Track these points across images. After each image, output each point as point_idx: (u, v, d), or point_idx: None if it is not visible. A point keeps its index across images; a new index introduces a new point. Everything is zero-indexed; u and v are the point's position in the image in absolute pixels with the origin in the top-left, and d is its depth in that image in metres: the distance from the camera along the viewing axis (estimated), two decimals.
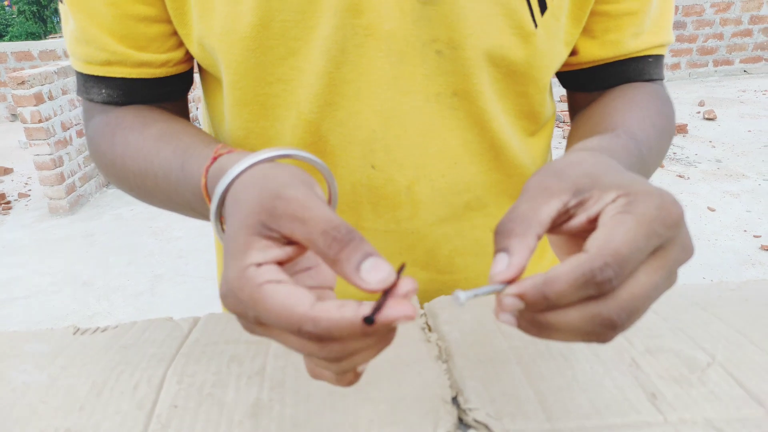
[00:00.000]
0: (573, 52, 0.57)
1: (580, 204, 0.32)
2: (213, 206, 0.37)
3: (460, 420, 0.39)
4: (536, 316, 0.30)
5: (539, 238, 0.31)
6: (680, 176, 3.64)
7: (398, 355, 0.45)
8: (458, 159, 0.54)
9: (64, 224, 3.61)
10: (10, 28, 30.85)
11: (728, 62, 6.46)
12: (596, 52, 0.56)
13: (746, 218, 3.00)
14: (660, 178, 3.62)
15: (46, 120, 3.56)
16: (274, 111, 0.52)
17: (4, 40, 30.10)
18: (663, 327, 0.48)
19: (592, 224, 0.31)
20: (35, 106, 3.48)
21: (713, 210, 3.13)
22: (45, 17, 32.94)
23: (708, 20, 6.28)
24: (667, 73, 6.46)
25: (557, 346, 0.46)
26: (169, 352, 0.47)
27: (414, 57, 0.49)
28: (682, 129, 4.50)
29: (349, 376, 0.32)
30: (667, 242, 0.29)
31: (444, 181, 0.54)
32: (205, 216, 0.47)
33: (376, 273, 0.28)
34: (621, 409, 0.38)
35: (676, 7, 6.22)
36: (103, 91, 0.53)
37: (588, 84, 0.59)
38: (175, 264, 3.00)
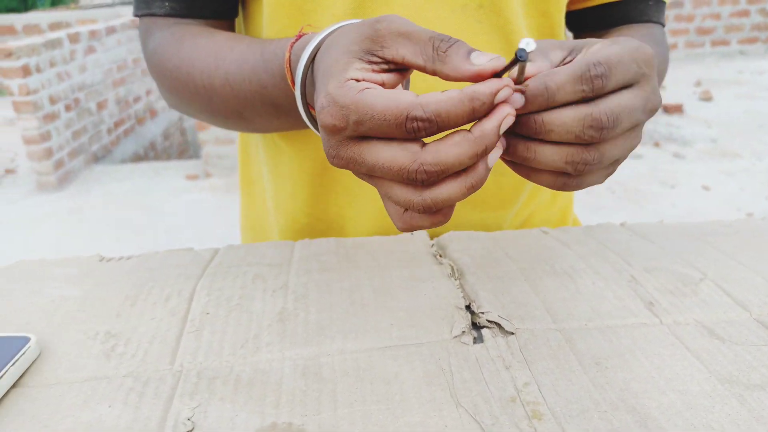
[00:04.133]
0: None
1: (579, 50, 0.35)
2: (303, 62, 0.37)
3: (474, 324, 0.42)
4: (534, 116, 0.32)
5: (551, 65, 0.34)
6: (676, 155, 3.69)
7: (413, 274, 0.48)
8: None
9: (52, 200, 3.59)
10: None
11: (725, 42, 6.50)
12: None
13: (740, 196, 3.06)
14: (656, 156, 3.67)
15: (34, 93, 3.52)
16: (310, 16, 0.53)
17: None
18: (660, 252, 0.51)
19: None
20: (23, 78, 3.44)
21: (708, 189, 3.18)
22: None
23: (705, 0, 6.32)
24: None
25: (561, 266, 0.49)
26: (196, 272, 0.49)
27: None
28: (678, 109, 4.54)
29: (439, 216, 0.33)
30: (642, 77, 0.33)
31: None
32: (276, 105, 0.47)
33: (485, 57, 0.30)
34: (620, 314, 0.42)
35: None
36: (167, 3, 0.55)
37: (594, 24, 0.62)
38: (165, 240, 3.00)
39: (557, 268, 0.49)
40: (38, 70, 3.57)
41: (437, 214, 0.33)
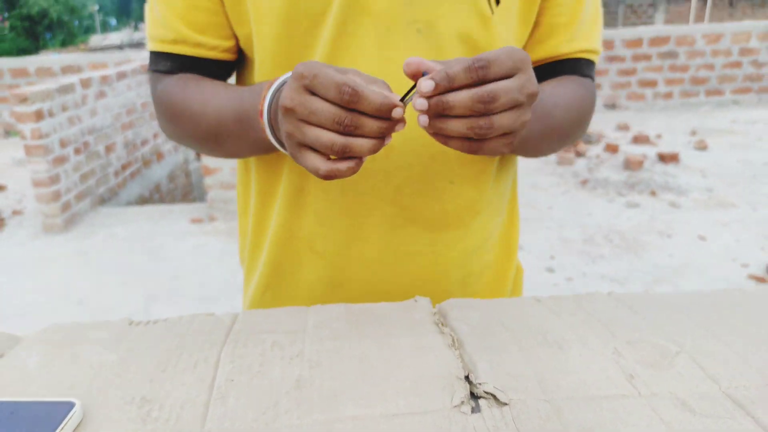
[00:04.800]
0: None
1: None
2: (269, 94, 0.58)
3: (472, 394, 0.46)
4: (440, 97, 0.47)
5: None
6: (672, 204, 3.76)
7: (418, 342, 0.53)
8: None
9: (58, 242, 3.65)
10: (1, 44, 30.90)
11: (719, 92, 6.67)
12: (539, 53, 0.73)
13: (735, 247, 3.11)
14: (653, 206, 3.75)
15: (46, 137, 3.62)
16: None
17: None
18: (642, 323, 0.56)
19: None
20: (35, 122, 3.55)
21: (704, 239, 3.24)
22: (37, 33, 32.97)
23: (699, 51, 6.51)
24: (660, 102, 6.66)
25: (553, 336, 0.54)
26: (219, 338, 0.54)
27: (398, 33, 0.64)
28: (674, 158, 4.64)
29: (351, 164, 0.50)
30: (518, 70, 0.48)
31: (416, 132, 0.64)
32: (247, 128, 0.65)
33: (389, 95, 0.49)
34: (604, 385, 0.46)
35: (669, 38, 6.44)
36: (168, 63, 0.72)
37: (539, 75, 0.73)
38: (170, 285, 3.04)
39: (549, 338, 0.53)
40: (51, 114, 3.68)
41: (350, 161, 0.50)
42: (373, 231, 0.71)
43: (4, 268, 3.30)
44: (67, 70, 6.51)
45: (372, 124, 0.48)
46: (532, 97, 0.49)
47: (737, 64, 6.56)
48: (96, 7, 43.33)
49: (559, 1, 0.71)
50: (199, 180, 6.37)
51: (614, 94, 6.63)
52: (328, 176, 0.50)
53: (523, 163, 4.74)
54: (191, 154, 6.21)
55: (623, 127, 5.77)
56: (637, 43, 6.45)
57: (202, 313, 0.60)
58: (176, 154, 5.80)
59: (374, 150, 0.49)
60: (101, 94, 4.31)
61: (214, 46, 0.71)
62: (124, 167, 4.67)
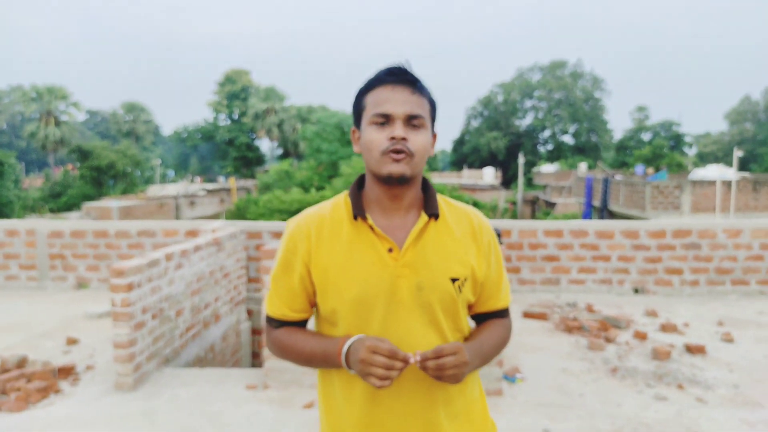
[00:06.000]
0: (471, 307, 1.50)
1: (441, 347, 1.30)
2: (344, 350, 1.33)
3: None
4: (437, 361, 1.26)
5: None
6: (699, 400, 3.94)
7: None
8: (431, 347, 1.38)
9: (128, 400, 4.01)
10: (69, 190, 33.57)
11: (745, 282, 6.96)
12: (481, 308, 1.51)
13: None
14: (681, 400, 3.92)
15: (132, 305, 4.15)
16: (362, 329, 1.38)
17: (61, 201, 32.48)
18: None
19: None
20: (126, 293, 4.10)
21: None
22: (102, 182, 35.79)
23: (721, 243, 6.93)
24: (686, 289, 6.97)
25: None
26: None
27: (413, 310, 1.38)
28: (701, 350, 4.85)
29: (387, 382, 1.25)
30: (458, 358, 1.28)
31: (420, 373, 1.38)
32: (327, 363, 1.38)
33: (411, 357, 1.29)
34: None
35: (691, 231, 6.92)
36: (276, 323, 1.48)
37: (477, 319, 1.55)
38: None
39: None
40: (139, 285, 4.25)
41: (388, 381, 1.25)
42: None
43: (81, 424, 3.65)
44: (142, 234, 7.31)
45: (397, 364, 1.25)
46: (465, 364, 1.28)
47: (759, 257, 6.93)
48: (159, 162, 47.35)
49: (488, 285, 1.48)
50: (247, 339, 6.78)
51: (642, 279, 7.01)
52: (381, 386, 1.24)
53: (555, 348, 5.03)
54: (243, 315, 6.69)
55: (651, 314, 6.06)
56: (660, 234, 6.95)
57: None
58: (231, 316, 6.29)
59: (393, 378, 1.26)
60: (179, 266, 4.92)
61: (303, 314, 1.47)
62: (187, 329, 5.15)
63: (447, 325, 1.41)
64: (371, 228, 1.39)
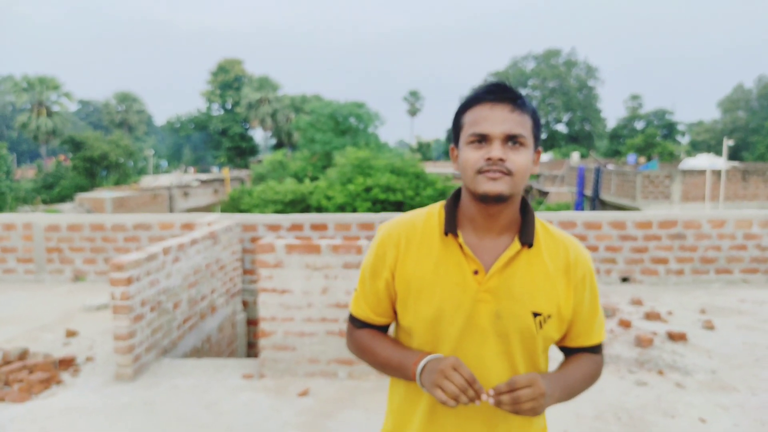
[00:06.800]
0: (561, 341, 1.45)
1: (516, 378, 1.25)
2: (419, 368, 1.32)
3: None
4: (512, 394, 1.20)
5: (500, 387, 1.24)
6: (678, 385, 4.11)
7: None
8: (500, 378, 1.36)
9: (127, 390, 4.14)
10: (62, 181, 33.53)
11: (728, 271, 7.14)
12: (570, 344, 1.45)
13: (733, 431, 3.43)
14: (660, 385, 4.10)
15: (131, 298, 4.27)
16: (435, 347, 1.39)
17: (53, 192, 32.46)
18: None
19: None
20: (126, 286, 4.22)
21: (704, 421, 3.55)
22: (95, 173, 35.72)
23: (706, 234, 7.10)
24: (672, 278, 7.15)
25: None
26: None
27: (488, 337, 1.34)
28: (682, 337, 5.03)
29: (454, 403, 1.22)
30: (534, 390, 1.21)
31: (488, 385, 1.35)
32: (401, 373, 1.38)
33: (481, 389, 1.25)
34: None
35: (676, 222, 7.09)
36: (360, 323, 1.50)
37: (566, 352, 1.49)
38: None
39: None
40: (137, 279, 4.37)
41: (451, 399, 1.20)
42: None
43: (83, 414, 3.78)
44: (138, 227, 7.42)
45: (469, 392, 1.21)
46: (542, 395, 1.20)
47: (742, 247, 7.11)
48: (152, 152, 47.21)
49: (579, 322, 1.41)
50: (242, 330, 6.92)
51: (628, 268, 7.18)
52: (444, 402, 1.20)
53: None
54: (239, 306, 6.83)
55: (636, 302, 6.24)
56: (647, 225, 7.11)
57: None
58: (227, 307, 6.42)
59: (459, 402, 1.22)
60: (176, 259, 5.04)
61: (386, 319, 1.48)
62: (185, 321, 5.27)
63: (521, 359, 1.36)
64: (460, 246, 1.36)
